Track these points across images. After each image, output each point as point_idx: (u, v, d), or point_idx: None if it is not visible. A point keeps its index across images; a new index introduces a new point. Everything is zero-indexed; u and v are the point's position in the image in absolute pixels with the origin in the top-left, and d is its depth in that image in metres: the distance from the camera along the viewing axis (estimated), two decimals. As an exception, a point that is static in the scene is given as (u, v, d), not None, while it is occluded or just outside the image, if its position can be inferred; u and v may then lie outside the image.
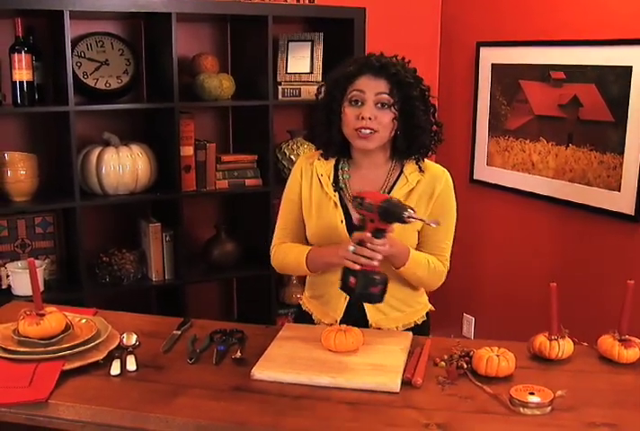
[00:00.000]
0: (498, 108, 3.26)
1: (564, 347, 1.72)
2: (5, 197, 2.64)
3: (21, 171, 2.60)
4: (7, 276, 2.62)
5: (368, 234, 1.71)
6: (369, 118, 1.79)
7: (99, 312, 2.04)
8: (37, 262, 2.70)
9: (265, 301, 3.06)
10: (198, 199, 3.05)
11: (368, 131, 1.81)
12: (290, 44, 3.08)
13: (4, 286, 2.62)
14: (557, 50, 2.91)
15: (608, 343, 1.72)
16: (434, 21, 3.56)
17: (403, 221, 1.65)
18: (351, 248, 1.72)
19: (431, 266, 1.90)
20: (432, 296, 3.81)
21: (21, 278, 2.63)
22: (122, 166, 2.71)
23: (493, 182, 3.35)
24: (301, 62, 3.07)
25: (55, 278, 2.82)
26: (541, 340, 1.74)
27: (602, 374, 1.67)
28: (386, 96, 1.80)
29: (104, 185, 2.72)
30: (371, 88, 1.81)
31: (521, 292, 3.25)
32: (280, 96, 2.99)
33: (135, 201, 2.87)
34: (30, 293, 2.64)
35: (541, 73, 2.99)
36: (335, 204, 1.91)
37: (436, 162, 3.88)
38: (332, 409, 1.50)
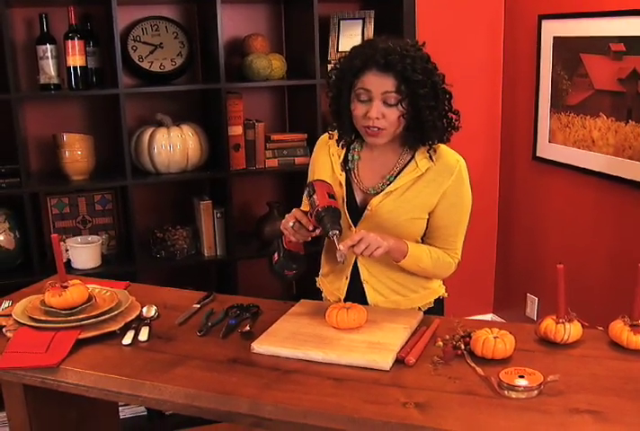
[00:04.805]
0: (559, 83, 3.14)
1: (571, 330, 1.67)
2: (64, 176, 2.80)
3: (78, 152, 2.76)
4: (67, 250, 2.79)
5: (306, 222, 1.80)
6: (377, 118, 1.76)
7: (132, 286, 2.16)
8: (94, 238, 2.87)
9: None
10: (249, 178, 3.12)
11: (376, 129, 1.79)
12: (342, 22, 3.08)
13: (63, 260, 2.78)
14: (617, 21, 2.76)
15: (618, 328, 1.66)
16: (498, -6, 3.45)
17: (327, 235, 1.75)
18: (291, 223, 1.81)
19: (434, 256, 1.88)
20: (495, 276, 3.78)
21: (80, 253, 2.80)
22: (173, 146, 2.82)
23: (556, 160, 3.24)
24: (353, 40, 3.05)
25: (114, 253, 2.98)
26: (547, 323, 1.70)
27: (607, 360, 1.61)
28: (392, 95, 1.75)
29: (156, 164, 2.84)
30: (377, 86, 1.75)
31: (585, 271, 3.15)
32: (330, 75, 3.00)
33: (186, 179, 2.97)
34: (88, 266, 2.84)
35: (601, 45, 2.85)
36: (340, 183, 1.92)
37: (501, 140, 3.79)
38: (317, 383, 1.53)
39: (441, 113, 1.80)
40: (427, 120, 1.77)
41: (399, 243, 1.82)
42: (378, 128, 1.78)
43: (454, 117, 1.84)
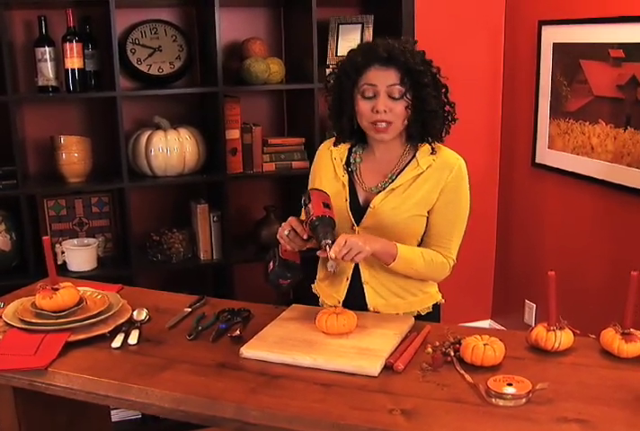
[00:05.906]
0: (559, 89, 3.13)
1: (562, 338, 1.66)
2: (61, 178, 2.80)
3: (75, 154, 2.75)
4: (62, 252, 2.79)
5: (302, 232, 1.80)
6: (384, 111, 1.80)
7: (124, 289, 2.15)
8: (91, 240, 2.87)
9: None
10: (246, 181, 3.12)
11: (384, 124, 1.82)
12: (341, 27, 3.07)
13: (59, 262, 2.77)
14: (616, 27, 2.75)
15: (609, 336, 1.65)
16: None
17: (319, 244, 1.75)
18: (286, 232, 1.81)
19: (427, 258, 1.88)
20: (494, 282, 3.77)
21: (76, 255, 2.79)
22: (170, 149, 2.82)
23: (555, 166, 3.23)
24: (351, 44, 3.02)
25: (110, 255, 2.97)
26: (538, 331, 1.69)
27: (597, 368, 1.60)
28: (397, 87, 1.80)
29: (153, 167, 2.84)
30: (382, 80, 1.80)
31: (583, 278, 3.13)
32: (329, 79, 3.00)
33: (182, 182, 2.97)
34: (84, 269, 2.83)
35: (601, 52, 2.84)
36: (343, 184, 1.94)
37: (500, 146, 3.79)
38: (304, 389, 1.52)
39: (441, 103, 1.85)
40: (430, 108, 1.82)
41: (387, 247, 1.82)
42: (386, 123, 1.81)
43: (450, 110, 1.88)
